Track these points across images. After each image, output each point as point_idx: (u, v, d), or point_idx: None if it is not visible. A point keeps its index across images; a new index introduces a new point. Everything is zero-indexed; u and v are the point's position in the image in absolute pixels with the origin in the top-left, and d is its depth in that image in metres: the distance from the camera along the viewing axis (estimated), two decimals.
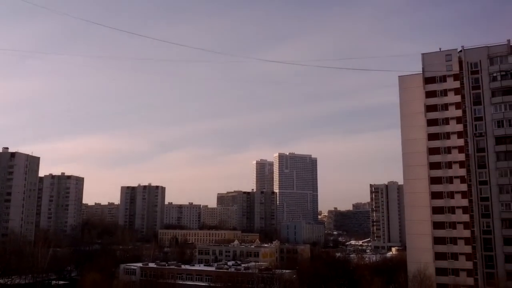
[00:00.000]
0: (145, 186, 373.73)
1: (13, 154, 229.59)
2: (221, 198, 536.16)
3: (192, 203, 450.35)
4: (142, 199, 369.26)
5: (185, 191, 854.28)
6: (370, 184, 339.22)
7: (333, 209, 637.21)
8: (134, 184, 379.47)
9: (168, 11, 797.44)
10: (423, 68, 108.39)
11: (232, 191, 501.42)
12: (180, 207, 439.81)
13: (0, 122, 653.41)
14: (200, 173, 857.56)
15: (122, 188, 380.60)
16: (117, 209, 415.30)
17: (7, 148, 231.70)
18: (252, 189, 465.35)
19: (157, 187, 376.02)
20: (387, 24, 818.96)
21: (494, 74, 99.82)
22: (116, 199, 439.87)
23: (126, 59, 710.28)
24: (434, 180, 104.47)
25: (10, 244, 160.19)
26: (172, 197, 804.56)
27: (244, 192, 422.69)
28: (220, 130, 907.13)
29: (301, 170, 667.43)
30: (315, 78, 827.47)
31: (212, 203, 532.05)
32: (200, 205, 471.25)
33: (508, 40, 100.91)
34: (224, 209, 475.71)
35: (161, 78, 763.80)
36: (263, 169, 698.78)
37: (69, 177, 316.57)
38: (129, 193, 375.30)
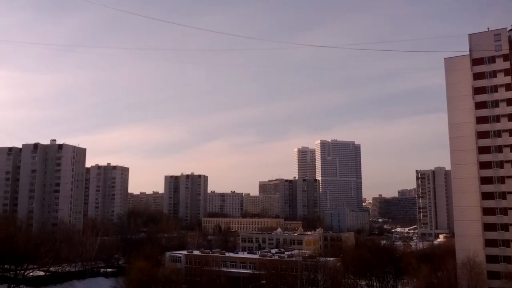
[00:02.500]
0: (187, 175, 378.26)
1: (60, 146, 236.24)
2: (263, 186, 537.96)
3: (234, 191, 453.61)
4: (185, 188, 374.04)
5: (227, 179, 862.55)
6: (416, 170, 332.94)
7: (377, 196, 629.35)
8: (177, 173, 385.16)
9: (199, 1, 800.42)
10: (470, 49, 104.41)
11: (274, 179, 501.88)
12: (222, 195, 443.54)
13: (47, 114, 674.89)
14: (241, 162, 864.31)
15: (166, 177, 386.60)
16: (161, 198, 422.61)
17: (55, 140, 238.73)
18: (294, 177, 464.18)
19: (199, 176, 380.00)
20: (429, 5, 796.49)
21: None
22: (160, 188, 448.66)
23: (162, 49, 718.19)
24: (483, 165, 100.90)
25: (60, 233, 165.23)
26: (215, 185, 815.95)
27: (286, 180, 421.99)
28: (259, 118, 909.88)
29: (344, 157, 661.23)
30: (354, 62, 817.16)
31: (254, 191, 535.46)
32: (242, 193, 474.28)
33: None
34: (266, 197, 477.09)
35: (197, 67, 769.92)
36: (304, 156, 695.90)
37: (114, 167, 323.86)
38: (172, 182, 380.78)
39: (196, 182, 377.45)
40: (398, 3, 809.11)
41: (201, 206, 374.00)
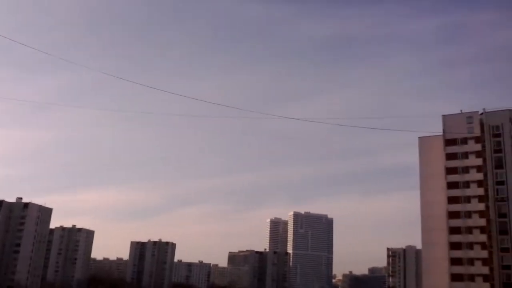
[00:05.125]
0: (155, 242, 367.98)
1: (26, 205, 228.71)
2: (232, 257, 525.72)
3: (202, 261, 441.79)
4: (152, 255, 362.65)
5: (197, 248, 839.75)
6: (387, 248, 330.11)
7: (348, 272, 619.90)
8: (144, 239, 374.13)
9: (186, 67, 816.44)
10: (443, 130, 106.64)
11: (244, 250, 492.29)
12: (189, 265, 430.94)
13: (15, 172, 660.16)
14: (212, 230, 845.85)
15: (132, 243, 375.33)
16: (125, 264, 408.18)
17: (21, 198, 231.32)
18: (265, 249, 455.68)
19: (167, 243, 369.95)
20: (408, 84, 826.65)
21: None
22: (125, 254, 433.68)
23: (143, 113, 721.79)
24: (453, 246, 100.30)
25: None
26: (183, 254, 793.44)
27: (257, 252, 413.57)
28: (234, 186, 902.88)
29: (316, 231, 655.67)
30: (332, 137, 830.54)
31: (223, 261, 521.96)
32: (210, 263, 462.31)
33: None
34: (235, 269, 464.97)
35: (177, 132, 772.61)
36: (277, 227, 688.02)
37: (79, 230, 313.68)
38: (138, 248, 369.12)
39: (164, 249, 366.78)
40: (380, 81, 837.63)
41: (166, 276, 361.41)
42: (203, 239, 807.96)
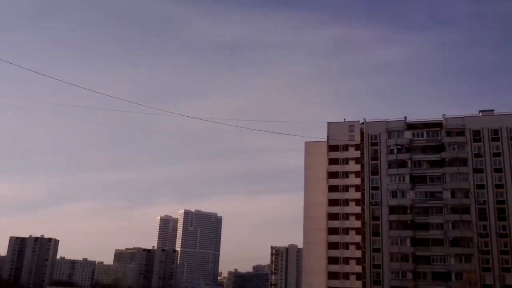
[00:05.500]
0: (36, 238, 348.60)
1: None
2: (118, 255, 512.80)
3: (86, 258, 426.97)
4: (32, 251, 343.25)
5: (82, 245, 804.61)
6: (271, 246, 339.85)
7: (233, 270, 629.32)
8: (25, 234, 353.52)
9: (77, 55, 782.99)
10: (328, 136, 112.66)
11: (132, 247, 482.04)
12: (73, 262, 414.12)
13: None
14: (101, 227, 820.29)
15: (11, 238, 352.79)
16: (3, 260, 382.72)
17: None
18: (153, 246, 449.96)
19: (50, 239, 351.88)
20: (298, 91, 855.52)
21: (391, 147, 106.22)
22: (3, 250, 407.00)
23: (25, 100, 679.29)
24: (331, 246, 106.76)
25: None
26: (67, 251, 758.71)
27: (144, 249, 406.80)
28: (124, 182, 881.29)
29: (205, 229, 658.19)
30: (224, 136, 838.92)
31: (110, 259, 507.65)
32: (95, 261, 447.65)
33: (405, 117, 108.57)
34: (121, 267, 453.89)
35: (65, 123, 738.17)
36: (166, 225, 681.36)
37: None
38: (18, 244, 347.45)
39: (45, 246, 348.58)
40: (272, 86, 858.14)
41: (47, 273, 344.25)
42: (90, 236, 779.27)
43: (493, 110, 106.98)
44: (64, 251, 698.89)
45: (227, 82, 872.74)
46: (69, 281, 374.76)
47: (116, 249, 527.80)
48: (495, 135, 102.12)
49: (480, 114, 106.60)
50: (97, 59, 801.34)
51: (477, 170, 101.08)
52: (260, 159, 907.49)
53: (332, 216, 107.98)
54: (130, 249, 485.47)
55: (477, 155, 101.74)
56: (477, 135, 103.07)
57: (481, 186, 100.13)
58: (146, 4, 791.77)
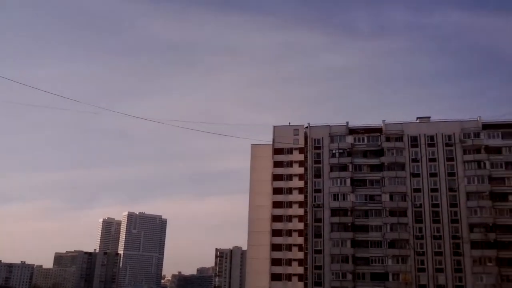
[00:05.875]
0: None
1: None
2: (58, 258, 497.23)
3: (24, 262, 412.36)
4: None
5: (19, 248, 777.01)
6: (216, 248, 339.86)
7: (177, 273, 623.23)
8: None
9: (23, 53, 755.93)
10: (273, 139, 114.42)
11: (73, 250, 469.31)
12: (10, 266, 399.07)
13: None
14: (39, 229, 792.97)
15: None
16: None
17: None
18: (95, 249, 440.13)
19: None
20: (246, 95, 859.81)
21: (333, 151, 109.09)
22: None
23: None
24: (275, 247, 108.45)
25: None
26: (3, 254, 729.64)
27: (86, 252, 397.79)
28: (66, 183, 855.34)
29: (149, 231, 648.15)
30: (170, 138, 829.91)
31: (49, 263, 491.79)
32: (34, 264, 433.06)
33: (347, 122, 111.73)
34: (61, 270, 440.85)
35: (3, 121, 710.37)
36: (109, 228, 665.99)
37: None
38: None
39: None
40: (220, 89, 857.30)
41: None
42: (29, 239, 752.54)
43: (429, 117, 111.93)
44: (0, 254, 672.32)
45: (173, 84, 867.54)
46: (6, 285, 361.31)
47: (56, 252, 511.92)
48: (431, 141, 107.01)
49: (417, 121, 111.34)
50: (41, 57, 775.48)
51: (414, 175, 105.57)
52: (205, 161, 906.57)
53: (276, 218, 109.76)
54: (71, 252, 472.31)
55: (414, 160, 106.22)
56: (414, 141, 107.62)
57: (417, 190, 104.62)
58: (92, 2, 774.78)
